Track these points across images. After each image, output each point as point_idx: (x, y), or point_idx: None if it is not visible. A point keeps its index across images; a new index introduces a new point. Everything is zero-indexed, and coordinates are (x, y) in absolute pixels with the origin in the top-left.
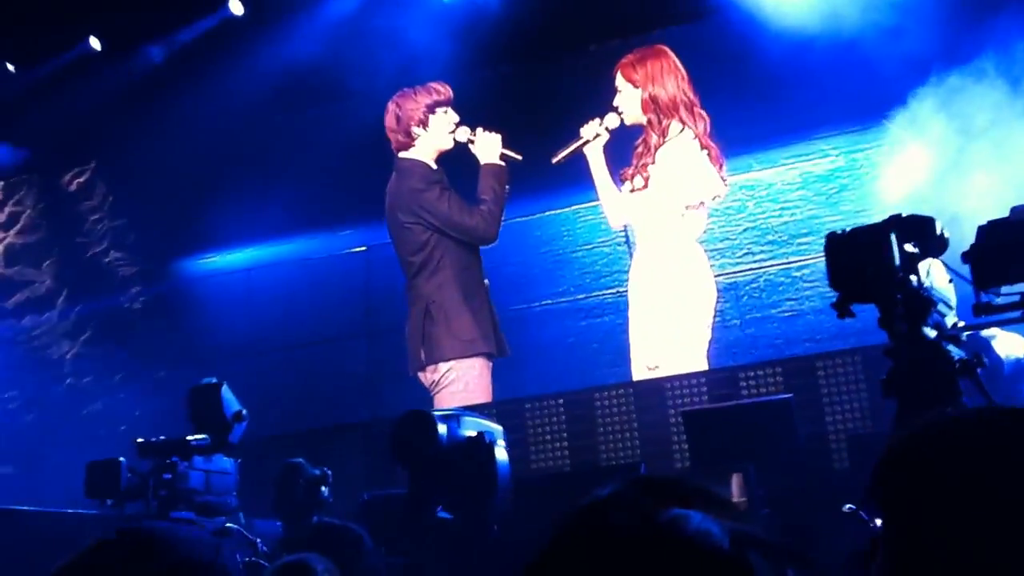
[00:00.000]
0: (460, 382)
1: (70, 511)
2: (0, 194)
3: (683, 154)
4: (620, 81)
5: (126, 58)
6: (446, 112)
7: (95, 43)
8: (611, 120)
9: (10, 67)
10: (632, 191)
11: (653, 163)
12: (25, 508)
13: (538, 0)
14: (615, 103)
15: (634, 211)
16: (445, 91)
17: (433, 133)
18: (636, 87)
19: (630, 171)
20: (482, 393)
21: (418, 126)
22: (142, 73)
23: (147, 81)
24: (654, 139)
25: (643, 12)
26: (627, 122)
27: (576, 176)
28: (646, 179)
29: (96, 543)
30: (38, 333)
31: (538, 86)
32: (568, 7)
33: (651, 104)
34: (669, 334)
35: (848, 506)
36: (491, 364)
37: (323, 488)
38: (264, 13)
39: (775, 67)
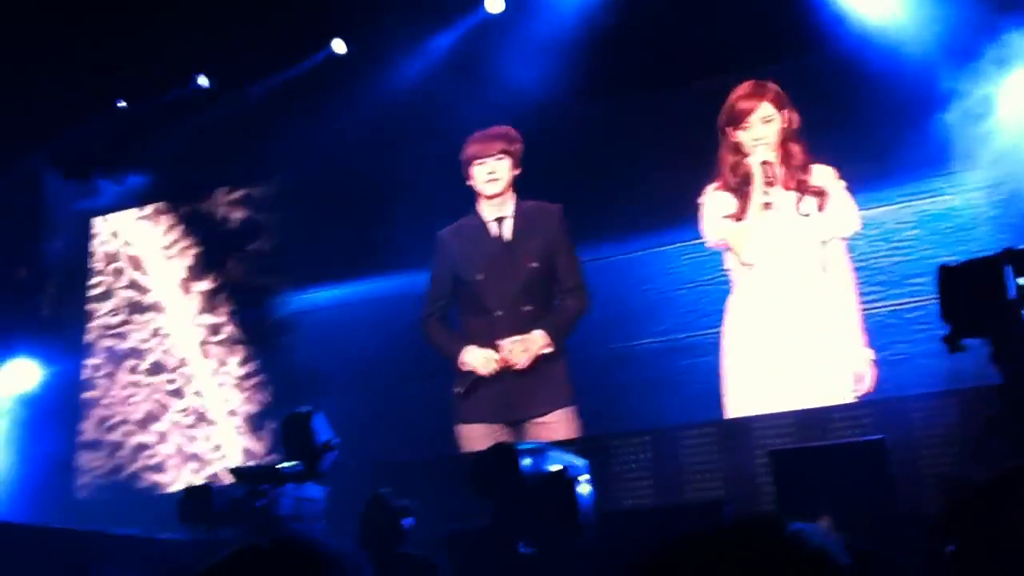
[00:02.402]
0: None
1: (164, 536)
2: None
3: (833, 183)
4: (767, 110)
5: (233, 95)
6: (482, 163)
7: (203, 81)
8: None
9: (121, 103)
10: (806, 215)
11: (817, 186)
12: (122, 533)
13: (639, 36)
14: (758, 135)
15: (794, 236)
16: (484, 143)
17: (477, 184)
18: (780, 112)
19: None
20: None
21: (469, 179)
22: (248, 110)
23: (253, 118)
24: (799, 160)
25: (750, 48)
26: (769, 154)
27: (679, 213)
28: (822, 204)
29: (244, 549)
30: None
31: (639, 121)
32: (671, 43)
33: (795, 132)
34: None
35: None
36: (486, 429)
37: (407, 519)
38: (369, 51)
39: (889, 101)
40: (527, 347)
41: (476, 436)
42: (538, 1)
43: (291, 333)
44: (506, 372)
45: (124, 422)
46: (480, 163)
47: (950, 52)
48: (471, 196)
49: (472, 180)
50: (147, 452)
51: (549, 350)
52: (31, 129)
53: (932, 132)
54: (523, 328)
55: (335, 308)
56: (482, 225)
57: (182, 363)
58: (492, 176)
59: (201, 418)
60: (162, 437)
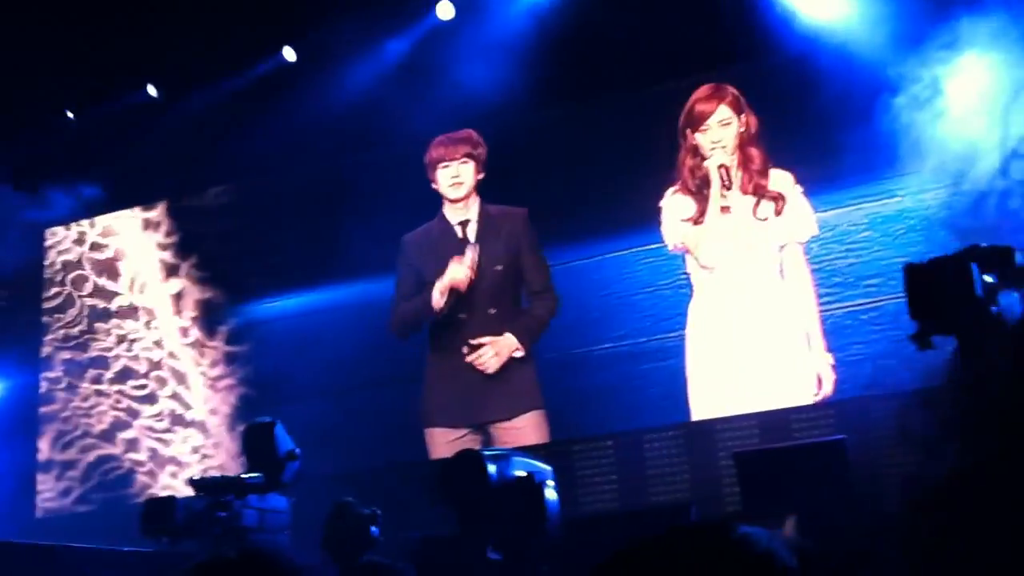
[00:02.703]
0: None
1: (126, 549)
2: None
3: (791, 187)
4: (724, 112)
5: (184, 104)
6: (446, 167)
7: (152, 90)
8: None
9: (69, 114)
10: (764, 219)
11: (775, 191)
12: (85, 546)
13: (594, 39)
14: (716, 138)
15: (752, 241)
16: (448, 147)
17: (441, 187)
18: (739, 116)
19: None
20: None
21: (433, 182)
22: (200, 118)
23: (207, 125)
24: (757, 165)
25: (703, 52)
26: (727, 158)
27: (636, 218)
28: (780, 208)
29: (209, 562)
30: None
31: (597, 125)
32: (626, 47)
33: (753, 136)
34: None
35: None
36: (454, 433)
37: (372, 527)
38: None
39: (840, 102)
40: (498, 351)
41: (443, 440)
42: (489, 6)
43: (253, 341)
44: (474, 375)
45: (86, 435)
46: (444, 166)
47: (898, 46)
48: (433, 200)
49: (436, 183)
50: (111, 464)
51: (520, 354)
52: None
53: (882, 132)
54: (489, 331)
55: (298, 316)
56: (447, 228)
57: (154, 367)
58: (456, 180)
59: (177, 421)
60: (131, 445)
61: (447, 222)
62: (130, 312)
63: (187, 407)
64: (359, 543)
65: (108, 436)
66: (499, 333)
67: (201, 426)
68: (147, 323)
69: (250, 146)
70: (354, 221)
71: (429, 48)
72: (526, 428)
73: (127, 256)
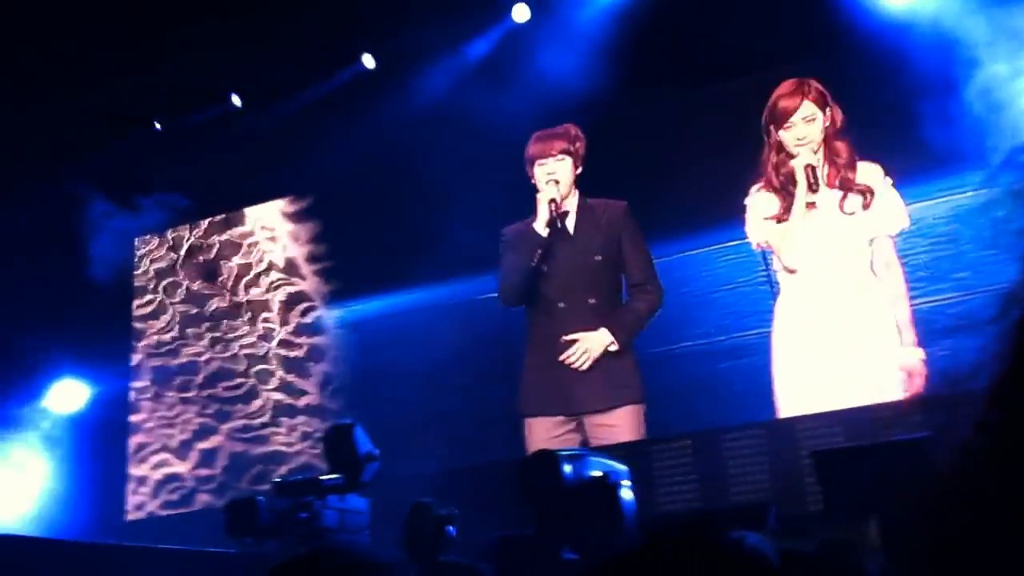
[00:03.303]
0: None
1: (211, 550)
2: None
3: (880, 180)
4: (808, 108)
5: (266, 112)
6: (543, 164)
7: (236, 100)
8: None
9: (156, 125)
10: (851, 214)
11: (862, 184)
12: (170, 547)
13: (672, 34)
14: (800, 134)
15: (839, 236)
16: (545, 143)
17: (539, 184)
18: (823, 111)
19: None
20: None
21: (531, 177)
22: (283, 125)
23: (289, 133)
24: (844, 158)
25: (785, 43)
26: (813, 156)
27: (716, 215)
28: (868, 202)
29: (290, 560)
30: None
31: (676, 122)
32: (706, 40)
33: (839, 130)
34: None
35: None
36: (550, 422)
37: (449, 527)
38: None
39: (923, 95)
40: (588, 347)
41: (540, 429)
42: (563, 6)
43: (341, 342)
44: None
45: (164, 449)
46: (541, 163)
47: (985, 29)
48: (527, 195)
49: (534, 179)
50: (177, 483)
51: (614, 347)
52: (70, 150)
53: (968, 121)
54: (587, 321)
55: (383, 318)
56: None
57: (256, 361)
58: (551, 177)
59: (283, 411)
60: (206, 457)
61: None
62: (230, 311)
63: (298, 395)
64: (436, 543)
65: (184, 450)
66: (598, 324)
67: (310, 412)
68: (251, 319)
69: (332, 154)
70: (442, 222)
71: (508, 49)
72: (621, 426)
73: (230, 256)
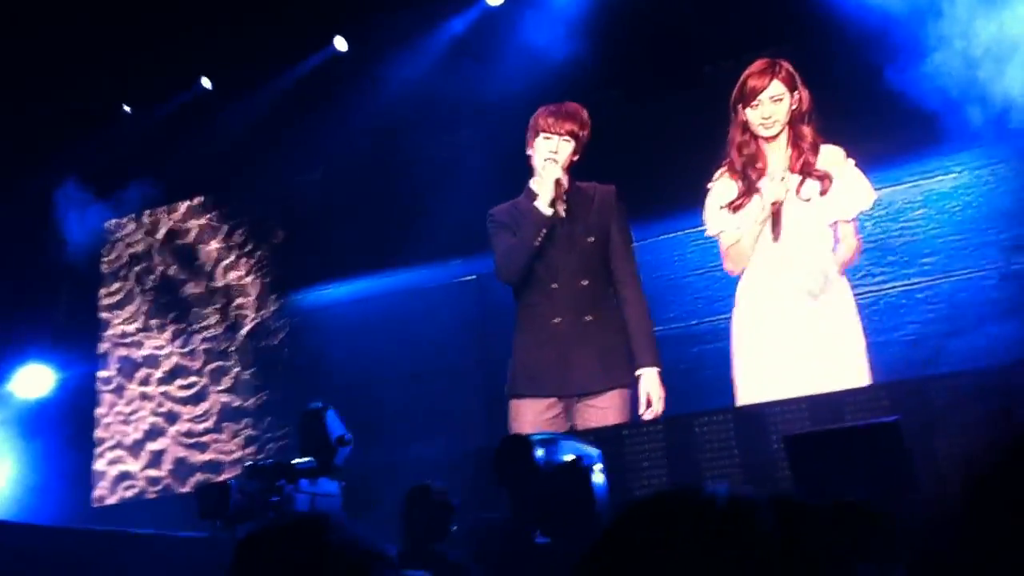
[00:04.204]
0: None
1: (181, 534)
2: (133, 225)
3: (841, 162)
4: (777, 88)
5: (238, 96)
6: (548, 138)
7: (206, 83)
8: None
9: (126, 108)
10: (807, 200)
11: (821, 170)
12: (140, 531)
13: (646, 21)
14: (767, 113)
15: (798, 224)
16: (556, 119)
17: (536, 156)
18: (791, 92)
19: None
20: None
21: (529, 147)
22: (255, 110)
23: (261, 118)
24: (808, 142)
25: (755, 31)
26: (771, 132)
27: (687, 200)
28: (825, 188)
29: (274, 522)
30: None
31: (648, 108)
32: (679, 27)
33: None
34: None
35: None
36: (549, 404)
37: (449, 519)
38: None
39: (892, 81)
40: (656, 395)
41: (530, 411)
42: None
43: (311, 329)
44: (563, 344)
45: (118, 445)
46: (547, 138)
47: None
48: (508, 181)
49: (531, 150)
50: (129, 481)
51: (656, 370)
52: (41, 137)
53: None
54: (580, 302)
55: (361, 301)
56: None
57: (213, 358)
58: (552, 155)
59: (227, 415)
60: (155, 458)
61: (535, 195)
62: (202, 298)
63: (246, 397)
64: (433, 530)
65: (137, 448)
66: (590, 306)
67: (260, 412)
68: (223, 307)
69: (306, 136)
70: (415, 207)
71: (481, 33)
72: (611, 408)
73: (208, 240)
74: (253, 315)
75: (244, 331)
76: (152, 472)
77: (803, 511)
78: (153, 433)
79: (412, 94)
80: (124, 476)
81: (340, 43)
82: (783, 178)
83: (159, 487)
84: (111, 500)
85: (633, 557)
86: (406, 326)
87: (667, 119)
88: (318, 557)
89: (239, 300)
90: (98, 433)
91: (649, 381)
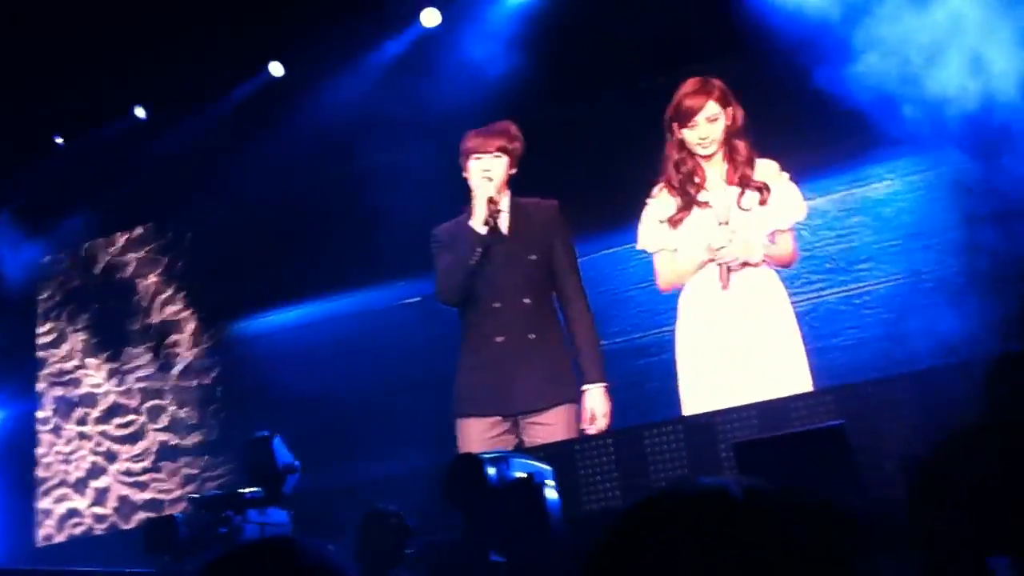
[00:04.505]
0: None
1: (128, 569)
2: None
3: (776, 175)
4: (712, 108)
5: (173, 125)
6: (478, 159)
7: (140, 112)
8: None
9: (58, 140)
10: (748, 210)
11: (759, 181)
12: (86, 568)
13: (580, 37)
14: (703, 134)
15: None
16: (483, 138)
17: (472, 179)
18: (725, 110)
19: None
20: None
21: (464, 171)
22: (191, 139)
23: (197, 146)
24: (743, 156)
25: (686, 46)
26: (708, 151)
27: (629, 214)
28: (764, 198)
29: (241, 547)
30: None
31: (586, 123)
32: (614, 43)
33: (740, 128)
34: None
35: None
36: (495, 423)
37: (404, 543)
38: (304, 72)
39: (824, 89)
40: (600, 412)
41: (476, 431)
42: (473, 10)
43: (254, 358)
44: (507, 363)
45: (62, 484)
46: (477, 158)
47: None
48: (448, 202)
49: (467, 173)
50: (76, 519)
51: (603, 387)
52: None
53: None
54: (523, 320)
55: (298, 328)
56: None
57: (149, 396)
58: (486, 174)
59: (166, 454)
60: (100, 496)
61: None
62: (137, 335)
63: (184, 435)
64: (391, 554)
65: (81, 486)
66: (534, 324)
67: (205, 449)
68: (156, 344)
69: (242, 162)
70: (359, 230)
71: (418, 53)
72: (557, 425)
73: (147, 274)
74: (186, 353)
75: (176, 370)
76: (98, 509)
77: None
78: (95, 472)
79: (352, 116)
80: (72, 513)
81: (276, 68)
82: (729, 226)
83: (106, 524)
84: (59, 538)
85: (649, 550)
86: (353, 350)
87: (606, 134)
88: None
89: (174, 336)
90: (40, 473)
91: (594, 397)
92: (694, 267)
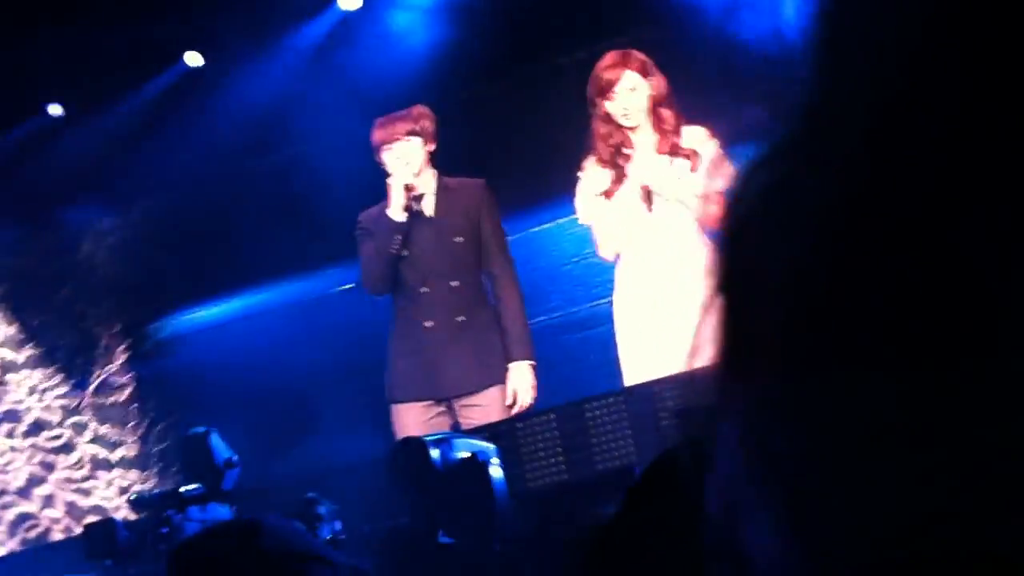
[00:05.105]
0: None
1: None
2: None
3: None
4: (631, 78)
5: (92, 120)
6: (389, 149)
7: (55, 109)
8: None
9: None
10: (679, 179)
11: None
12: None
13: (505, 13)
14: (625, 104)
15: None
16: (387, 127)
17: (390, 169)
18: (646, 79)
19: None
20: None
21: (381, 165)
22: (110, 132)
23: (116, 140)
24: (670, 124)
25: (611, 18)
26: (633, 122)
27: (558, 189)
28: (695, 165)
29: (208, 530)
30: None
31: (512, 100)
32: (529, 22)
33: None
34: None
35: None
36: (428, 407)
37: (325, 526)
38: (223, 63)
39: (753, 65)
40: (522, 389)
41: (409, 415)
42: None
43: (174, 357)
44: (437, 347)
45: (3, 492)
46: (388, 148)
47: None
48: (370, 186)
49: (384, 166)
50: (31, 521)
51: (530, 363)
52: None
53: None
54: (451, 303)
55: (226, 324)
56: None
57: (70, 413)
58: (401, 160)
59: (100, 464)
60: (47, 501)
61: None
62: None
63: (113, 447)
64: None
65: (25, 493)
66: (463, 307)
67: (132, 463)
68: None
69: (161, 156)
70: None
71: (337, 38)
72: (491, 406)
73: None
74: (99, 371)
75: (91, 388)
76: (50, 512)
77: None
78: (35, 481)
79: (276, 103)
80: (24, 517)
81: (194, 58)
82: (651, 163)
83: (61, 526)
84: (12, 544)
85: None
86: (286, 341)
87: (531, 110)
88: (253, 561)
89: (88, 353)
90: None
91: (517, 374)
92: (624, 224)
